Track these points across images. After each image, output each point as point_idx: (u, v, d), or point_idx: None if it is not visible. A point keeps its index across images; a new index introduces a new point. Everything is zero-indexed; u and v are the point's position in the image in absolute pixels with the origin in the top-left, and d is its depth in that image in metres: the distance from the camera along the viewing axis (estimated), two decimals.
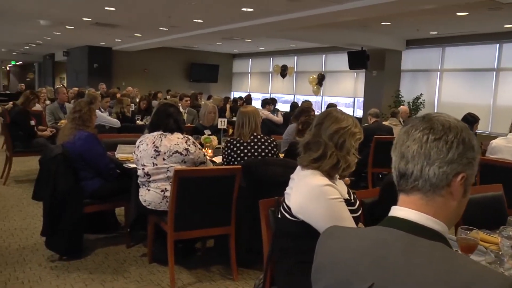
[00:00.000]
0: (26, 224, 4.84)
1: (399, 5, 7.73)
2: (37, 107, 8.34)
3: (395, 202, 1.16)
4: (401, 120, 7.99)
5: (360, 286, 1.02)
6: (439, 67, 12.47)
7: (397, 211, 1.12)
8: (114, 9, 10.01)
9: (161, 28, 12.74)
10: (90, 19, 11.66)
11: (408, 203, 1.12)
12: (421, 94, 12.47)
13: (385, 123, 7.69)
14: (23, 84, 18.11)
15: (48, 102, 10.34)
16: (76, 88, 12.35)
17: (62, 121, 7.31)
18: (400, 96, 13.02)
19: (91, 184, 4.01)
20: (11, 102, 10.50)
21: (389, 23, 10.17)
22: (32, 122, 6.72)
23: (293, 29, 11.20)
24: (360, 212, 2.27)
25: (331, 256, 1.13)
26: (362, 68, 13.31)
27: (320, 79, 15.62)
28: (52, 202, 3.77)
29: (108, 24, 12.30)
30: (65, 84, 22.06)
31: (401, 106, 9.95)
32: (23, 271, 3.66)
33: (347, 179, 2.52)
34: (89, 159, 4.00)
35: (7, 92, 23.25)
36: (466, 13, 8.73)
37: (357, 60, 13.22)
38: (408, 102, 12.54)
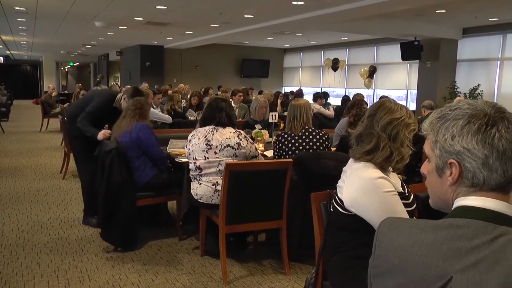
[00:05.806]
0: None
1: None
2: None
3: None
4: None
5: (439, 280, 0.91)
6: (499, 56, 11.88)
7: (466, 201, 1.02)
8: (165, 7, 10.18)
9: (212, 25, 12.84)
10: (142, 19, 11.91)
11: (477, 192, 1.02)
12: (478, 85, 11.95)
13: None
14: (80, 84, 18.78)
15: None
16: (129, 86, 12.67)
17: None
18: (456, 87, 12.55)
19: (144, 175, 4.10)
20: (67, 103, 10.93)
21: (444, 10, 9.78)
22: None
23: (344, 21, 11.01)
24: (414, 206, 2.20)
25: (399, 252, 1.00)
26: (416, 59, 12.90)
27: (372, 72, 15.29)
28: (106, 195, 3.89)
29: (159, 23, 12.52)
30: (118, 83, 22.74)
31: (457, 98, 9.58)
32: (81, 261, 3.80)
33: (399, 176, 2.45)
34: (145, 146, 4.11)
35: (65, 92, 24.24)
36: None
37: (410, 51, 12.83)
38: (465, 94, 12.06)
